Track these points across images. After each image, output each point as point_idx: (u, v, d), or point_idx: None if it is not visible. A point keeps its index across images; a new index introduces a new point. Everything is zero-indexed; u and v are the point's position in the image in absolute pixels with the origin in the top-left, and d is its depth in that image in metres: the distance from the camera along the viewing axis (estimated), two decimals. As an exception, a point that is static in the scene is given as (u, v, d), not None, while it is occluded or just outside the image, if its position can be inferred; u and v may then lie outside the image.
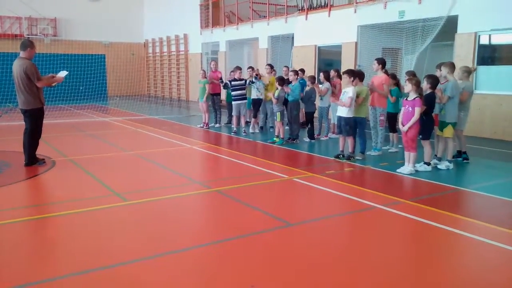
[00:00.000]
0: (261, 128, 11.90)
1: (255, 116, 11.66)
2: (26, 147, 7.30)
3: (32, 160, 7.35)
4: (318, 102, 10.44)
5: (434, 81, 7.08)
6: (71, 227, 4.70)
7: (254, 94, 11.48)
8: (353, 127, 7.97)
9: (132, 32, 27.72)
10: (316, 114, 10.41)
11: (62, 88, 21.05)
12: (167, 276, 3.54)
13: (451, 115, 7.28)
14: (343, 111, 7.89)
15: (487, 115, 10.66)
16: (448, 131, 7.32)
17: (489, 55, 11.24)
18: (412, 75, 8.06)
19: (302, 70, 11.48)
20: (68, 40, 25.21)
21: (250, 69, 11.69)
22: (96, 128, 12.62)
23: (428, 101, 7.03)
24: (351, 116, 7.89)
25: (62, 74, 7.57)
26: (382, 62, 8.55)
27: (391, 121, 8.86)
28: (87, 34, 25.79)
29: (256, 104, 11.56)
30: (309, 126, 10.19)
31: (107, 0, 26.83)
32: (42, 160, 7.54)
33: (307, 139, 10.13)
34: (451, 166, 7.35)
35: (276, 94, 9.71)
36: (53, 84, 7.72)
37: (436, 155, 7.61)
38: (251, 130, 11.63)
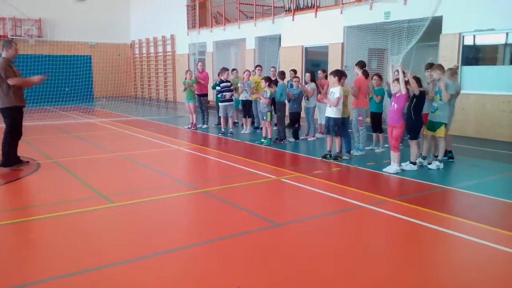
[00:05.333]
0: (256, 128, 11.89)
1: (248, 117, 11.68)
2: (1, 147, 7.18)
3: (8, 161, 7.19)
4: (304, 103, 10.50)
5: (417, 79, 7.16)
6: (56, 230, 4.64)
7: (243, 96, 11.50)
8: (341, 127, 8.03)
9: (118, 33, 27.51)
10: (302, 115, 10.46)
11: (48, 90, 20.84)
12: (154, 278, 3.51)
13: (445, 116, 7.36)
14: (331, 112, 7.93)
15: (471, 115, 10.80)
16: (441, 131, 7.38)
17: (473, 55, 11.40)
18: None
19: (294, 71, 11.42)
20: (53, 41, 24.91)
21: (247, 71, 11.71)
22: (82, 130, 12.50)
23: (419, 100, 7.09)
24: (340, 116, 7.94)
25: (42, 76, 7.41)
26: (359, 65, 8.75)
27: (376, 121, 8.93)
28: (72, 35, 25.52)
29: (246, 105, 11.58)
30: (294, 126, 10.26)
31: (93, 0, 26.61)
32: (26, 162, 7.43)
33: (292, 139, 10.18)
34: (442, 165, 7.40)
35: (267, 94, 9.72)
36: (31, 85, 7.56)
37: (421, 154, 7.68)
38: (242, 131, 11.65)
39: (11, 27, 24.13)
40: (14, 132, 7.25)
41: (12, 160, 7.29)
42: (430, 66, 7.98)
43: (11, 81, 6.97)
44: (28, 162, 7.48)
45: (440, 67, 7.60)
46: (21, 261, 3.92)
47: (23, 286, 3.39)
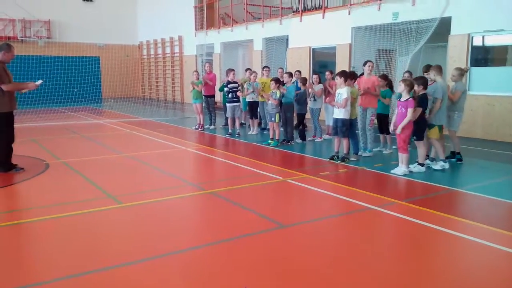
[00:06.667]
0: (263, 129, 11.88)
1: (255, 118, 11.70)
2: None
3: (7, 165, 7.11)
4: (309, 104, 10.49)
5: (424, 81, 7.14)
6: (65, 230, 4.67)
7: (250, 97, 11.51)
8: (349, 128, 8.01)
9: (126, 34, 27.65)
10: (308, 116, 10.46)
11: (56, 91, 21.01)
12: (161, 278, 3.53)
13: (437, 117, 7.32)
14: (339, 113, 7.91)
15: (479, 116, 10.72)
16: (434, 133, 7.34)
17: (482, 56, 11.30)
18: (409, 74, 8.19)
19: (299, 72, 11.50)
20: (62, 42, 25.10)
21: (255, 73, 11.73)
22: (90, 131, 12.58)
23: (422, 102, 7.06)
24: (348, 117, 7.92)
25: (37, 82, 7.25)
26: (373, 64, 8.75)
27: (383, 122, 8.89)
28: (81, 36, 25.68)
29: (253, 106, 11.60)
30: (300, 127, 10.26)
31: (101, 2, 26.81)
32: (19, 168, 7.30)
33: (299, 140, 10.18)
34: (447, 165, 7.37)
35: (277, 95, 9.70)
36: (23, 91, 7.54)
37: (428, 155, 7.64)
38: (249, 132, 11.67)
39: (20, 28, 24.35)
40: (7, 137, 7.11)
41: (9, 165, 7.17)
42: (428, 68, 7.95)
43: (5, 87, 6.87)
44: (19, 167, 7.33)
45: (437, 67, 7.55)
46: (24, 261, 3.96)
47: (26, 287, 3.42)
